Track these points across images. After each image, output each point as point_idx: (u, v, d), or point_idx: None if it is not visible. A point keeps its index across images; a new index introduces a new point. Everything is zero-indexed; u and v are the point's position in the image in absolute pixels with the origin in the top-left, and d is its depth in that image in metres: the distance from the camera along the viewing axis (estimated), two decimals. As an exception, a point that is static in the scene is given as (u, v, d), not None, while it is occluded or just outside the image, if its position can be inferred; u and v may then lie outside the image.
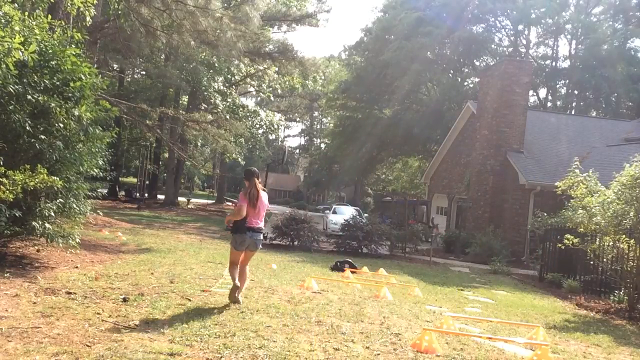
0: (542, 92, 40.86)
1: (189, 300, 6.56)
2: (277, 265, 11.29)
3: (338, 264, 12.09)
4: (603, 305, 10.15)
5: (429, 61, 34.26)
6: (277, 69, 29.47)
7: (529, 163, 18.92)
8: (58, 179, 6.99)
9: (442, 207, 26.24)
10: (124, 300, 6.19)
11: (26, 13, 7.70)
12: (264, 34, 25.02)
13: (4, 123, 6.96)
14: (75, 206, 8.15)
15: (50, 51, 7.56)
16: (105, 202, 25.14)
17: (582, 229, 10.28)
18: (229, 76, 31.15)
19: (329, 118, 61.07)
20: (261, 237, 6.81)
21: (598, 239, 10.65)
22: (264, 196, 6.56)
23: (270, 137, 50.06)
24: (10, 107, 6.89)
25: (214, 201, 43.36)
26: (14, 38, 5.91)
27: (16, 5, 8.45)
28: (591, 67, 33.71)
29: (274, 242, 16.21)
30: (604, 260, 10.90)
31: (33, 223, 7.28)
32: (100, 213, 11.81)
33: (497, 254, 15.97)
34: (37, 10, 9.21)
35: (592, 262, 11.23)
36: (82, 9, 9.37)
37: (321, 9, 32.52)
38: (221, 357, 4.47)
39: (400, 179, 48.26)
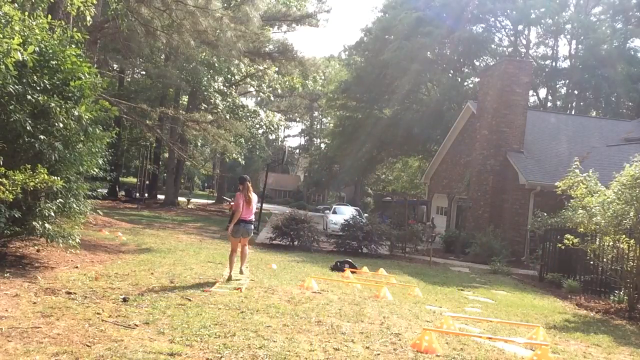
0: (542, 92, 40.92)
1: (189, 300, 6.56)
2: (277, 265, 11.28)
3: (338, 264, 12.08)
4: (603, 305, 10.15)
5: (429, 61, 34.26)
6: (277, 69, 29.48)
7: (529, 163, 18.92)
8: (58, 179, 6.99)
9: (442, 207, 26.24)
10: (124, 300, 6.19)
11: (26, 13, 7.70)
12: (264, 34, 25.00)
13: (4, 123, 6.96)
14: (75, 206, 8.15)
15: (50, 51, 7.56)
16: (105, 202, 25.11)
17: (582, 229, 10.28)
18: (229, 76, 31.14)
19: (329, 118, 61.06)
20: (252, 226, 9.02)
21: (598, 239, 10.65)
22: (254, 197, 8.87)
23: (270, 137, 50.02)
24: (10, 107, 6.89)
25: (213, 201, 43.34)
26: (13, 39, 5.92)
27: (16, 5, 8.45)
28: (591, 67, 33.70)
29: (274, 242, 16.20)
30: (604, 260, 10.89)
31: (33, 223, 7.29)
32: (100, 213, 11.82)
33: (497, 254, 15.97)
34: (37, 10, 9.21)
35: (592, 262, 11.23)
36: (82, 8, 9.37)
37: (321, 9, 32.55)
38: (221, 357, 4.47)
39: (400, 179, 48.27)
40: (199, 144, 36.16)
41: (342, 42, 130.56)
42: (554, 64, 39.45)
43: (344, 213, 22.82)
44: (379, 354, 5.04)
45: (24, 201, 7.02)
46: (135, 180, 44.07)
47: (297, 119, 72.60)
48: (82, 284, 7.00)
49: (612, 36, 34.56)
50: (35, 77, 7.27)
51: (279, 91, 42.10)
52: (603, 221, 9.72)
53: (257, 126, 35.90)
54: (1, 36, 5.91)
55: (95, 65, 12.11)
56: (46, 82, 7.38)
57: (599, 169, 11.90)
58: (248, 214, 8.75)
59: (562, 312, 9.48)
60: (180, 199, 34.58)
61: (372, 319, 6.58)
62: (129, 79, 35.92)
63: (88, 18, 9.68)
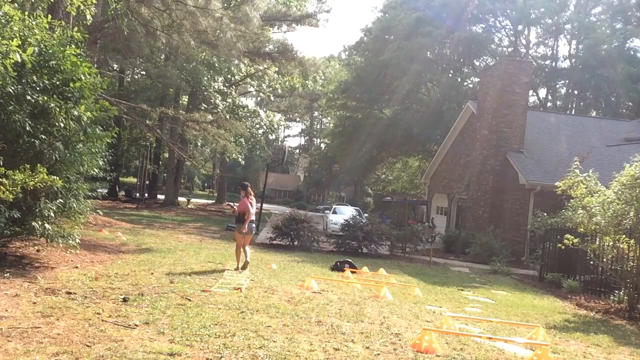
0: (542, 92, 40.90)
1: (189, 300, 6.56)
2: (277, 265, 11.28)
3: (338, 264, 12.08)
4: (603, 305, 10.14)
5: (428, 61, 34.25)
6: (277, 69, 29.50)
7: (529, 163, 18.91)
8: (58, 178, 6.99)
9: (442, 207, 26.24)
10: (124, 300, 6.19)
11: (26, 13, 7.69)
12: (264, 34, 24.99)
13: (4, 123, 6.96)
14: (75, 206, 8.16)
15: (50, 51, 7.56)
16: (105, 202, 25.12)
17: (582, 229, 10.28)
18: (229, 76, 31.14)
19: (329, 118, 61.05)
20: (254, 225, 10.44)
21: (598, 239, 10.65)
22: (254, 200, 10.29)
23: (270, 137, 50.03)
24: (10, 108, 6.89)
25: (214, 201, 43.33)
26: (12, 40, 5.92)
27: (16, 5, 8.45)
28: (591, 67, 33.69)
29: (274, 242, 16.20)
30: (604, 260, 10.89)
31: (33, 223, 7.29)
32: (100, 213, 11.81)
33: (497, 254, 15.96)
34: (37, 10, 9.21)
35: (592, 262, 11.23)
36: (82, 8, 9.37)
37: (321, 9, 32.52)
38: (221, 357, 4.47)
39: (400, 179, 48.26)
40: (199, 144, 36.18)
41: (342, 42, 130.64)
42: (554, 64, 39.44)
43: (344, 213, 22.81)
44: (379, 354, 5.04)
45: (24, 201, 7.02)
46: (135, 180, 44.10)
47: (297, 119, 72.58)
48: (82, 284, 7.00)
49: (612, 36, 34.55)
50: (34, 77, 7.27)
51: (279, 91, 42.09)
52: (603, 221, 9.72)
53: (257, 126, 35.92)
54: (0, 37, 5.91)
55: (95, 65, 12.10)
56: (46, 82, 7.38)
57: (599, 169, 11.90)
58: (252, 215, 10.03)
59: (562, 312, 9.48)
60: (180, 199, 34.58)
61: (372, 319, 6.58)
62: (129, 79, 35.91)
63: (88, 17, 9.68)
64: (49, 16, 8.29)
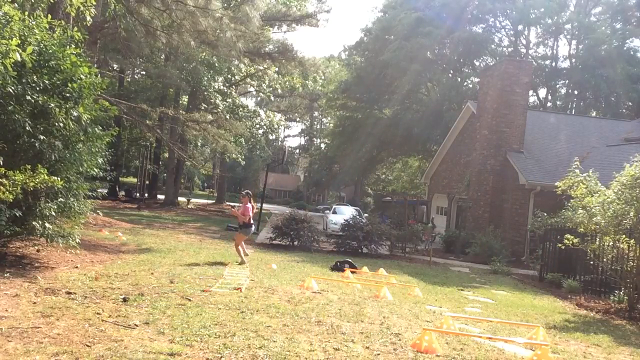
0: (542, 92, 40.90)
1: (189, 300, 6.56)
2: (277, 265, 11.28)
3: (338, 264, 12.08)
4: (603, 305, 10.14)
5: (428, 61, 34.24)
6: (277, 69, 29.51)
7: (529, 163, 18.92)
8: (58, 178, 6.99)
9: (442, 207, 26.24)
10: (124, 300, 6.19)
11: (26, 13, 7.69)
12: (264, 34, 25.00)
13: (4, 123, 6.96)
14: (75, 206, 8.16)
15: (50, 51, 7.56)
16: (105, 202, 25.14)
17: (582, 229, 10.28)
18: (229, 76, 31.14)
19: (329, 118, 61.05)
20: (253, 227, 11.94)
21: (598, 239, 10.65)
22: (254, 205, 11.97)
23: (270, 137, 50.01)
24: (10, 108, 6.89)
25: (214, 201, 43.34)
26: (12, 40, 5.92)
27: (16, 5, 8.45)
28: (591, 67, 33.69)
29: (274, 242, 16.20)
30: (604, 260, 10.89)
31: (33, 223, 7.29)
32: (100, 213, 11.82)
33: (497, 254, 15.96)
34: (37, 10, 9.21)
35: (592, 262, 11.23)
36: (82, 9, 9.37)
37: (321, 9, 32.51)
38: (221, 357, 4.47)
39: (400, 179, 48.26)
40: (199, 144, 36.17)
41: (342, 42, 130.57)
42: (553, 64, 39.44)
43: (344, 213, 22.81)
44: (379, 354, 5.04)
45: (24, 201, 7.02)
46: (135, 180, 44.09)
47: (297, 119, 72.60)
48: (82, 284, 7.00)
49: (612, 36, 34.54)
50: (34, 77, 7.27)
51: (279, 91, 42.09)
52: (603, 221, 9.72)
53: (257, 126, 35.91)
54: (0, 37, 5.91)
55: (95, 65, 12.10)
56: (46, 82, 7.38)
57: (599, 169, 11.90)
58: (252, 219, 11.51)
59: (562, 312, 9.48)
60: (180, 199, 34.58)
61: (372, 319, 6.58)
62: (129, 79, 35.91)
63: (88, 18, 9.68)
64: (49, 16, 8.29)
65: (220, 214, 29.88)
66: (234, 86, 33.65)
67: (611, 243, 10.22)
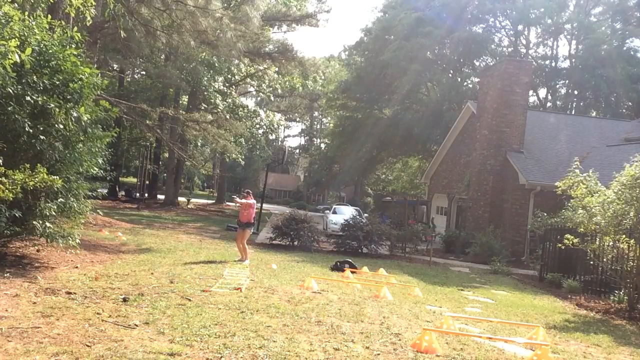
0: (542, 92, 40.89)
1: (189, 300, 6.56)
2: (277, 265, 11.28)
3: (338, 264, 12.08)
4: (603, 305, 10.14)
5: (428, 61, 34.24)
6: (277, 69, 29.50)
7: (529, 163, 18.92)
8: (58, 178, 6.99)
9: (442, 207, 26.24)
10: (124, 300, 6.19)
11: (26, 13, 7.69)
12: (264, 34, 25.01)
13: (4, 123, 6.96)
14: (75, 206, 8.15)
15: (50, 51, 7.56)
16: (105, 202, 25.13)
17: (582, 229, 10.28)
18: (229, 76, 31.14)
19: (329, 118, 61.03)
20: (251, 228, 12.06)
21: (598, 239, 10.65)
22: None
23: (270, 137, 49.98)
24: (10, 108, 6.89)
25: (214, 201, 43.33)
26: (11, 41, 5.91)
27: (16, 5, 8.45)
28: (591, 67, 33.69)
29: (274, 242, 16.20)
30: (604, 260, 10.89)
31: (33, 223, 7.29)
32: (100, 213, 11.83)
33: (497, 254, 15.96)
34: (37, 11, 9.21)
35: (592, 262, 11.22)
36: (81, 9, 9.37)
37: (321, 9, 32.52)
38: (221, 357, 4.47)
39: (400, 179, 48.24)
40: (199, 144, 36.16)
41: (342, 42, 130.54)
42: (553, 64, 39.43)
43: (344, 213, 22.81)
44: (379, 354, 5.04)
45: (24, 201, 7.02)
46: (135, 180, 44.09)
47: (297, 119, 72.59)
48: (82, 284, 7.00)
49: (612, 36, 34.53)
50: (34, 77, 7.27)
51: (279, 91, 42.09)
52: (603, 221, 9.72)
53: (257, 126, 35.90)
54: None
55: (95, 65, 12.10)
56: (46, 82, 7.38)
57: (599, 169, 11.90)
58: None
59: (562, 312, 9.48)
60: (180, 199, 34.58)
61: (372, 319, 6.58)
62: (129, 79, 35.91)
63: (88, 18, 9.68)
64: (49, 16, 8.29)
65: (220, 214, 29.88)
66: (234, 86, 33.65)
67: (611, 243, 10.22)
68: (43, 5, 10.20)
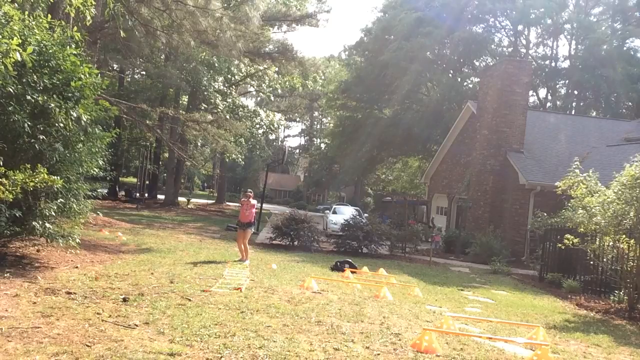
0: (542, 92, 40.88)
1: (189, 300, 6.56)
2: (277, 265, 11.28)
3: (338, 264, 12.08)
4: (603, 305, 10.14)
5: (428, 61, 34.23)
6: (277, 69, 29.48)
7: (529, 163, 18.92)
8: (58, 178, 6.99)
9: (442, 207, 26.23)
10: (124, 300, 6.19)
11: (26, 13, 7.69)
12: (264, 34, 24.99)
13: (4, 123, 6.96)
14: (75, 206, 8.16)
15: (50, 51, 7.56)
16: (105, 202, 25.14)
17: (582, 229, 10.28)
18: (229, 76, 31.14)
19: (329, 118, 61.03)
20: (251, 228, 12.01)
21: (598, 239, 10.65)
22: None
23: (270, 137, 50.01)
24: (10, 108, 6.89)
25: (214, 201, 43.33)
26: (12, 40, 5.91)
27: (16, 5, 8.44)
28: (591, 67, 33.68)
29: (274, 242, 16.20)
30: (604, 260, 10.89)
31: (33, 223, 7.29)
32: (100, 213, 11.84)
33: (497, 254, 15.96)
34: (37, 10, 9.20)
35: (592, 262, 11.23)
36: (81, 9, 9.37)
37: (321, 9, 32.48)
38: (221, 357, 4.47)
39: (400, 179, 48.20)
40: (199, 144, 36.16)
41: (342, 42, 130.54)
42: (553, 64, 39.42)
43: (344, 213, 22.81)
44: (379, 354, 5.04)
45: (24, 201, 7.02)
46: (135, 180, 44.05)
47: (297, 119, 72.62)
48: (82, 284, 7.00)
49: (612, 36, 34.51)
50: (35, 77, 7.26)
51: (279, 91, 42.10)
52: (603, 221, 9.71)
53: (257, 126, 35.88)
54: (0, 37, 5.91)
55: (95, 65, 12.11)
56: (46, 82, 7.38)
57: (599, 169, 11.89)
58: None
59: (562, 312, 9.48)
60: (180, 199, 34.58)
61: (372, 319, 6.58)
62: (129, 79, 35.91)
63: (88, 17, 9.67)
64: (49, 16, 8.29)
65: (220, 214, 29.88)
66: (234, 86, 33.64)
67: (611, 243, 10.22)
68: (43, 5, 10.21)
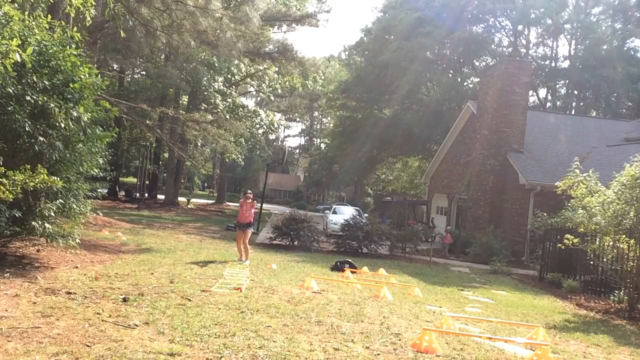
0: (542, 92, 40.86)
1: (189, 300, 6.56)
2: (277, 265, 11.28)
3: (338, 264, 12.08)
4: (603, 305, 10.15)
5: (428, 61, 34.23)
6: (277, 69, 29.48)
7: (529, 163, 18.92)
8: (58, 179, 6.99)
9: (442, 207, 26.24)
10: (124, 300, 6.19)
11: (26, 13, 7.69)
12: (264, 34, 25.00)
13: (4, 123, 6.96)
14: (75, 206, 8.15)
15: (50, 51, 7.56)
16: (105, 202, 25.13)
17: (582, 229, 10.28)
18: (229, 76, 31.14)
19: (329, 118, 61.03)
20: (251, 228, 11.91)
21: (598, 239, 10.65)
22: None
23: (270, 137, 50.00)
24: (10, 108, 6.89)
25: (214, 201, 43.35)
26: (12, 40, 5.91)
27: (16, 5, 8.44)
28: (591, 67, 33.67)
29: (274, 242, 16.20)
30: (604, 260, 10.89)
31: (33, 223, 7.29)
32: (100, 213, 11.83)
33: (497, 254, 15.96)
34: (37, 11, 9.20)
35: (592, 262, 11.23)
36: (81, 9, 9.36)
37: (321, 9, 32.49)
38: (221, 357, 4.47)
39: (400, 179, 48.20)
40: (199, 144, 36.16)
41: (342, 42, 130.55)
42: (553, 64, 39.41)
43: (344, 213, 22.80)
44: (379, 354, 5.04)
45: (24, 201, 7.02)
46: (135, 180, 44.09)
47: (297, 119, 72.63)
48: (82, 284, 7.00)
49: (612, 36, 34.50)
50: (34, 77, 7.26)
51: (279, 91, 42.07)
52: (603, 221, 9.72)
53: (257, 126, 35.90)
54: (0, 37, 5.91)
55: (95, 65, 12.11)
56: (46, 82, 7.38)
57: (599, 169, 11.89)
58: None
59: (562, 312, 9.48)
60: (180, 199, 34.59)
61: (372, 319, 6.58)
62: (129, 79, 35.90)
63: (88, 18, 9.68)
64: (49, 16, 8.28)
65: (220, 214, 29.88)
66: (234, 86, 33.64)
67: (611, 243, 10.22)
68: (43, 5, 10.21)
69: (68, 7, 8.77)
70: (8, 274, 6.89)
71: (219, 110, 28.17)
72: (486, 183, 19.78)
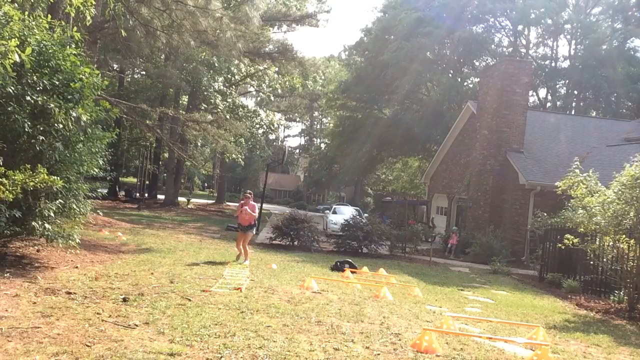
0: (542, 92, 40.85)
1: (189, 300, 6.56)
2: (277, 265, 11.28)
3: (338, 264, 12.08)
4: (603, 305, 10.15)
5: (428, 61, 34.23)
6: (277, 69, 29.51)
7: (529, 163, 18.92)
8: (58, 179, 6.99)
9: (442, 207, 26.24)
10: (124, 300, 6.19)
11: (26, 13, 7.69)
12: (264, 34, 25.02)
13: (4, 123, 6.96)
14: (75, 206, 8.15)
15: (50, 51, 7.55)
16: (105, 202, 25.13)
17: (582, 229, 10.28)
18: (229, 76, 31.14)
19: (329, 118, 61.04)
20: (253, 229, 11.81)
21: (598, 239, 10.65)
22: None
23: (270, 137, 50.00)
24: (9, 108, 6.88)
25: (214, 201, 43.34)
26: (11, 41, 5.91)
27: (16, 5, 8.44)
28: (591, 67, 33.66)
29: (274, 242, 16.20)
30: (604, 260, 10.89)
31: (33, 223, 7.29)
32: (100, 213, 11.82)
33: (497, 254, 15.96)
34: (36, 10, 9.20)
35: (592, 262, 11.22)
36: (81, 9, 9.36)
37: (321, 9, 32.51)
38: (221, 357, 4.47)
39: (400, 179, 48.22)
40: (199, 144, 36.17)
41: (342, 42, 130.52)
42: (553, 64, 39.40)
43: (344, 213, 22.81)
44: (379, 354, 5.04)
45: (24, 201, 7.02)
46: (135, 180, 44.07)
47: (297, 119, 72.63)
48: (82, 284, 6.99)
49: (612, 36, 34.49)
50: (34, 77, 7.26)
51: (279, 91, 42.08)
52: (603, 221, 9.71)
53: (257, 126, 35.91)
54: None
55: (95, 65, 12.09)
56: (46, 82, 7.37)
57: (599, 169, 11.89)
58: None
59: (562, 312, 9.48)
60: (180, 199, 34.58)
61: (372, 319, 6.58)
62: (129, 79, 35.91)
63: (88, 17, 9.67)
64: (49, 16, 8.28)
65: (220, 214, 29.87)
66: (234, 86, 33.64)
67: (611, 243, 10.22)
68: (43, 5, 10.20)
69: (68, 6, 8.77)
70: (8, 274, 6.89)
71: (219, 110, 28.17)
72: (486, 183, 19.78)
